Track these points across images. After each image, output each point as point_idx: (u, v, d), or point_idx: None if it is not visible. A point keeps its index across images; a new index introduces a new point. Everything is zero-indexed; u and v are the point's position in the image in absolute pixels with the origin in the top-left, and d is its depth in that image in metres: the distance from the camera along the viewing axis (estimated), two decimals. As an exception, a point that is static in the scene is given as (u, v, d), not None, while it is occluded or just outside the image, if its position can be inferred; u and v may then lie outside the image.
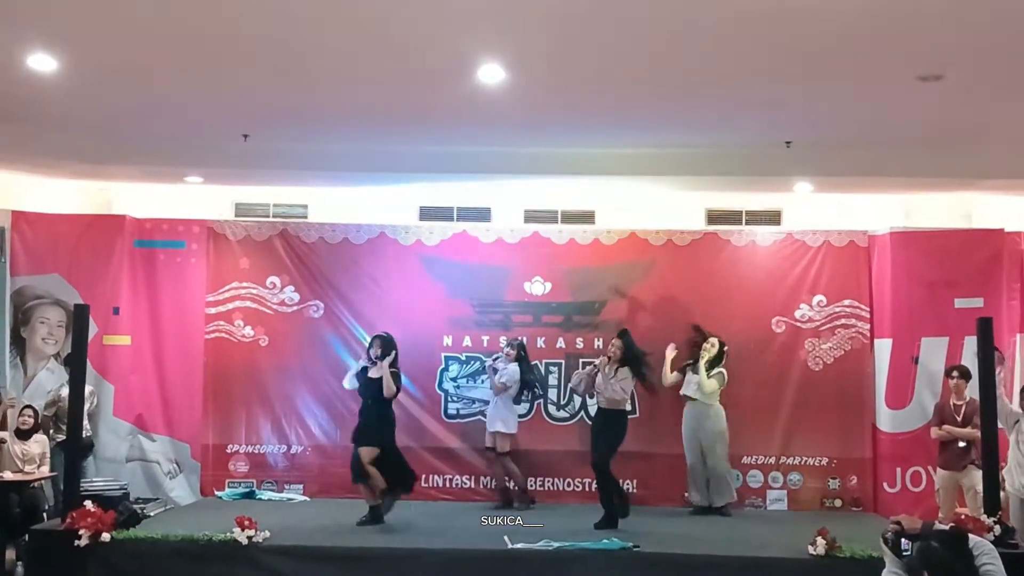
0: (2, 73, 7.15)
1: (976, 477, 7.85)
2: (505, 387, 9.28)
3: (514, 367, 9.31)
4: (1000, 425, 7.43)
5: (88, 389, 8.75)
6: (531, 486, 9.77)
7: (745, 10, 5.83)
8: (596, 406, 8.80)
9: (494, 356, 9.56)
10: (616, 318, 9.98)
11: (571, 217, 10.38)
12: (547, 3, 5.84)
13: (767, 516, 9.41)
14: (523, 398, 9.46)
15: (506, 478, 9.39)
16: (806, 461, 9.74)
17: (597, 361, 8.59)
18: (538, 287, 10.14)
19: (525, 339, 9.65)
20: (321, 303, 10.15)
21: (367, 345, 8.65)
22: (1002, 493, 7.44)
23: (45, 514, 8.44)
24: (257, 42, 6.54)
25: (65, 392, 8.89)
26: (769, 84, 7.25)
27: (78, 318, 7.75)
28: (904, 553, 3.97)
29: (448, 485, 9.86)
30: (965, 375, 8.47)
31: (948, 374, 8.77)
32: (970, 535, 4.18)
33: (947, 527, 4.51)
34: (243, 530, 6.83)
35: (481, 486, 9.86)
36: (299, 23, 6.18)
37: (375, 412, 8.22)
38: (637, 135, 8.74)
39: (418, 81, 7.28)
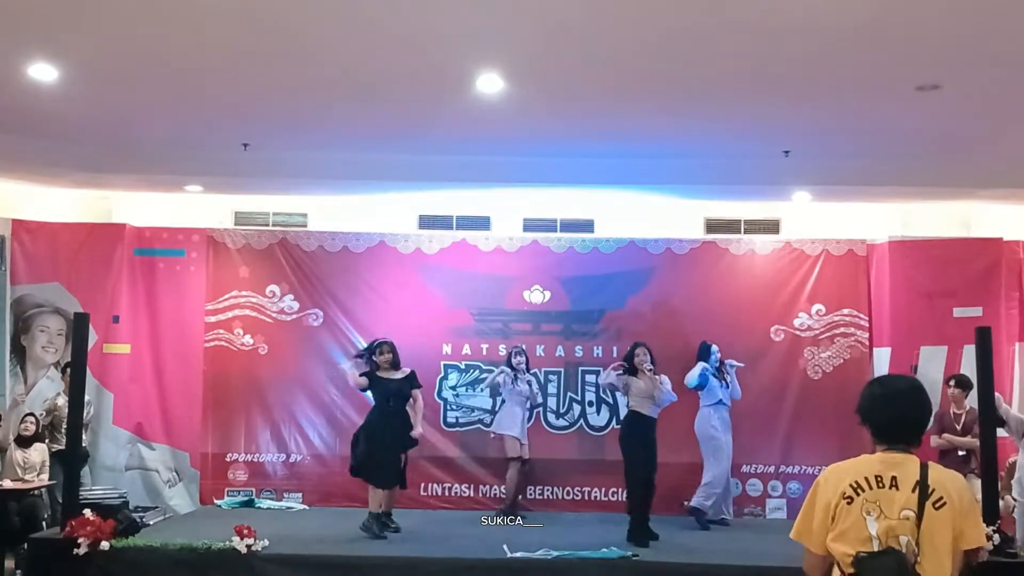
0: (3, 83, 7.17)
1: (976, 486, 7.85)
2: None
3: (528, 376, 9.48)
4: (1007, 434, 7.45)
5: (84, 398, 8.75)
6: (530, 494, 9.79)
7: (743, 21, 5.85)
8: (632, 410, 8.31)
9: (512, 376, 9.33)
10: (616, 327, 10.01)
11: (570, 226, 10.39)
12: (545, 13, 5.86)
13: (766, 525, 9.41)
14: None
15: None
16: (805, 470, 9.74)
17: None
18: (537, 296, 10.16)
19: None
20: (320, 311, 10.16)
21: (375, 351, 8.33)
22: (1001, 502, 7.44)
23: (44, 523, 8.42)
24: (257, 52, 6.56)
25: (61, 401, 8.90)
26: (767, 94, 7.28)
27: (78, 326, 7.74)
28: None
29: (447, 494, 9.86)
30: (964, 385, 8.47)
31: (948, 383, 8.78)
32: None
33: None
34: (242, 539, 6.82)
35: (480, 495, 9.86)
36: (298, 34, 6.21)
37: (402, 414, 8.21)
38: (636, 144, 8.75)
39: (417, 90, 7.30)
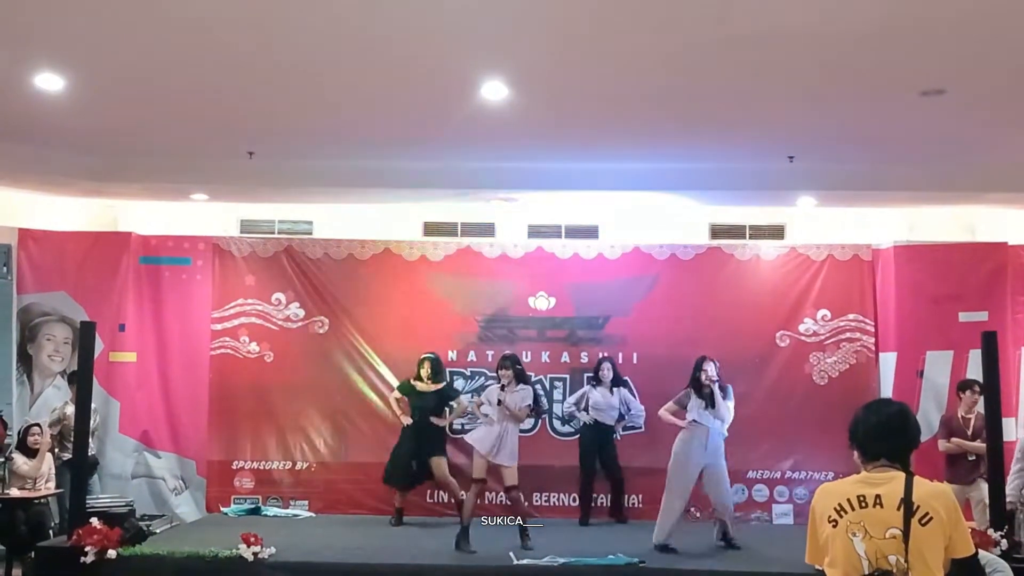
0: (9, 92, 7.19)
1: (985, 490, 7.83)
2: (531, 409, 8.35)
3: (526, 388, 8.17)
4: None
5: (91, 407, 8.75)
6: (536, 501, 9.77)
7: (748, 28, 5.86)
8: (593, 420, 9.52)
9: (483, 394, 8.48)
10: (620, 333, 10.01)
11: (575, 232, 10.39)
12: (550, 20, 5.87)
13: (773, 531, 9.40)
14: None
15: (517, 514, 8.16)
16: (812, 475, 9.72)
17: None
18: (542, 302, 10.16)
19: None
20: (326, 319, 10.17)
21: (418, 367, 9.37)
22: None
23: (51, 531, 8.43)
24: (262, 61, 6.57)
25: (69, 410, 8.91)
26: (772, 100, 7.27)
27: (84, 335, 7.77)
28: None
29: (452, 500, 9.82)
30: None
31: (963, 389, 8.60)
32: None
33: None
34: (248, 546, 6.85)
35: (486, 501, 9.80)
36: (303, 42, 6.22)
37: (430, 425, 9.19)
38: (640, 150, 8.75)
39: (422, 98, 7.31)
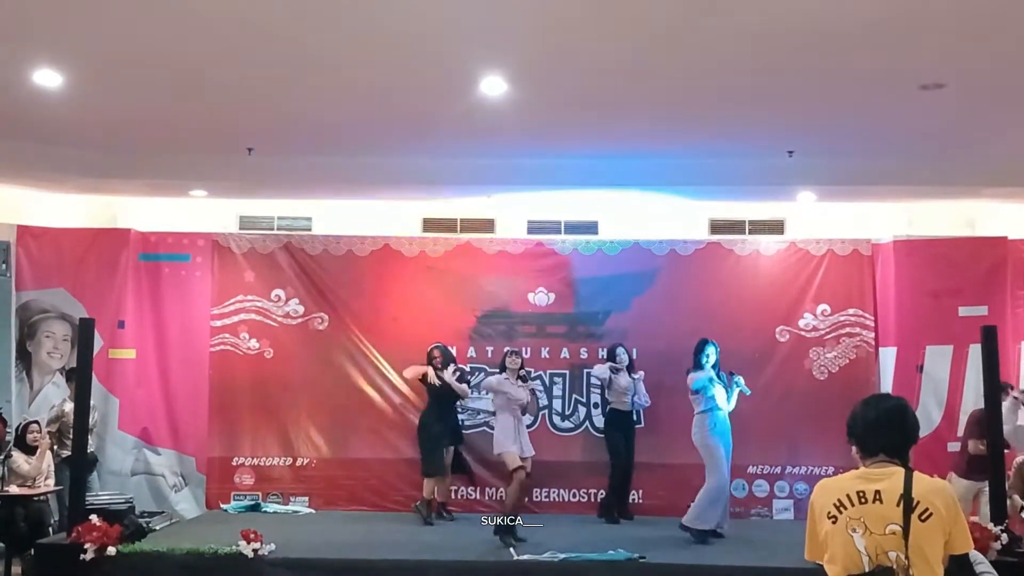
0: (8, 89, 7.19)
1: None
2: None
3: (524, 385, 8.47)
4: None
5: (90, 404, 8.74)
6: (536, 497, 9.77)
7: (746, 21, 5.85)
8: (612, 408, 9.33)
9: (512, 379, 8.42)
10: (620, 329, 10.00)
11: (574, 228, 10.38)
12: (548, 16, 5.87)
13: (773, 526, 9.39)
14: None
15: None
16: (812, 471, 9.70)
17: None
18: (542, 298, 10.15)
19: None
20: (326, 315, 10.15)
21: (428, 355, 9.34)
22: (1008, 502, 7.43)
23: (51, 528, 8.43)
24: (261, 58, 6.57)
25: (68, 407, 8.90)
26: (771, 94, 7.27)
27: (83, 332, 7.75)
28: None
29: (453, 497, 9.82)
30: None
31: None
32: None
33: None
34: (248, 543, 6.84)
35: (486, 497, 9.84)
36: (301, 39, 6.21)
37: (451, 414, 9.34)
38: (639, 145, 8.75)
39: (421, 94, 7.31)
